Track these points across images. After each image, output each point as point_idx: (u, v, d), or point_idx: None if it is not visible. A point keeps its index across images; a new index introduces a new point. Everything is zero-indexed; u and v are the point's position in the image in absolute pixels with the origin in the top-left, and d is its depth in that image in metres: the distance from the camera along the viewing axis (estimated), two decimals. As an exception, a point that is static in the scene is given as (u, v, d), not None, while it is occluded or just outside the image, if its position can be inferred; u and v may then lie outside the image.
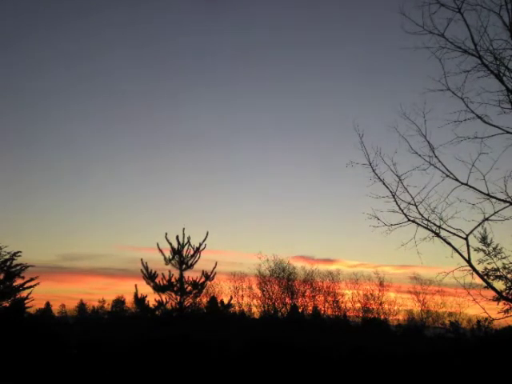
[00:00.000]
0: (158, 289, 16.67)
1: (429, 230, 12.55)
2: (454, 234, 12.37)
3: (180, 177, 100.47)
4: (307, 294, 50.38)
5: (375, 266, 78.77)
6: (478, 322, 35.28)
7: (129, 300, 59.49)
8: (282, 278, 49.75)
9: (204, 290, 18.29)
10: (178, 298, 16.75)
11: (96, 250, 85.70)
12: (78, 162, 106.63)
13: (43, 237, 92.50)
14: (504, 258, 14.89)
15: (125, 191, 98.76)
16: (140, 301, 16.75)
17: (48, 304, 63.04)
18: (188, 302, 17.02)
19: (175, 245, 16.82)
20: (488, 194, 12.02)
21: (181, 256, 16.82)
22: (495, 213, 12.03)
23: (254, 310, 50.88)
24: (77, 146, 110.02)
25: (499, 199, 11.94)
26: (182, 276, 16.83)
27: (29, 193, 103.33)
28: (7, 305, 20.02)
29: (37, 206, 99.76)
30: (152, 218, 75.84)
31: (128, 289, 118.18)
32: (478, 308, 13.53)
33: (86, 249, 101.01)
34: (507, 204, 11.90)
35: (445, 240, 12.43)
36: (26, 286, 20.25)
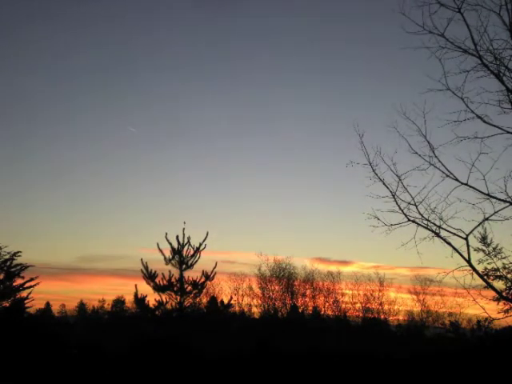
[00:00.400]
0: (158, 289, 16.68)
1: (429, 229, 12.53)
2: (454, 233, 12.35)
3: (182, 177, 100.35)
4: (307, 294, 50.42)
5: (391, 267, 78.45)
6: (478, 321, 35.28)
7: (129, 300, 59.49)
8: (282, 278, 49.78)
9: (204, 290, 18.30)
10: (178, 298, 16.75)
11: (114, 251, 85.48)
12: (94, 163, 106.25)
13: (63, 239, 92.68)
14: (504, 257, 14.91)
15: (142, 193, 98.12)
16: (140, 301, 16.75)
17: (48, 304, 63.17)
18: (188, 301, 17.02)
19: (175, 245, 16.84)
20: (488, 194, 12.00)
21: (181, 256, 16.82)
22: (495, 213, 12.01)
23: (254, 309, 50.97)
24: (88, 146, 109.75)
25: (499, 199, 11.93)
26: (182, 276, 16.84)
27: (48, 196, 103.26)
28: (7, 305, 20.04)
29: (56, 209, 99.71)
30: (167, 220, 75.62)
31: (142, 289, 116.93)
32: (478, 308, 13.51)
33: (104, 250, 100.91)
34: (507, 204, 11.89)
35: (445, 240, 12.42)
36: (25, 285, 20.27)
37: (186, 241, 16.86)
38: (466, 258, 12.26)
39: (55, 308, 70.23)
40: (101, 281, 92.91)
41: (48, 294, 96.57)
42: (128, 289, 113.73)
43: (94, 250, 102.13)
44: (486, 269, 15.30)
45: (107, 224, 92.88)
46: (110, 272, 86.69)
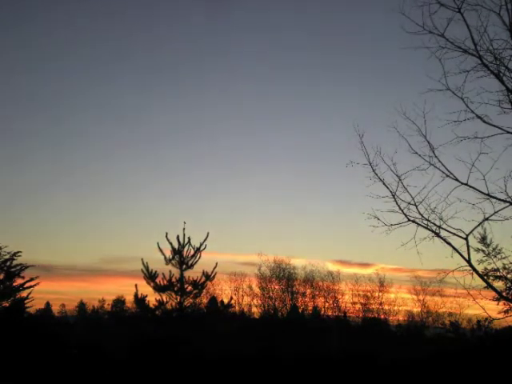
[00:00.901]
0: (159, 289, 16.69)
1: (429, 229, 12.53)
2: (454, 234, 12.35)
3: (182, 177, 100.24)
4: (307, 293, 50.46)
5: (411, 270, 77.81)
6: (478, 321, 35.22)
7: (129, 300, 59.49)
8: (282, 278, 49.82)
9: (204, 290, 18.30)
10: (178, 298, 16.77)
11: (133, 253, 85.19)
12: (115, 166, 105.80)
13: (86, 240, 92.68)
14: (504, 258, 14.89)
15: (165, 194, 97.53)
16: (140, 301, 16.77)
17: (48, 304, 63.23)
18: (188, 302, 17.03)
19: (176, 245, 16.85)
20: (488, 194, 12.00)
21: (181, 256, 16.83)
22: (495, 213, 12.02)
23: (254, 309, 51.06)
24: (102, 149, 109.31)
25: (499, 199, 11.93)
26: (182, 276, 16.85)
27: (70, 197, 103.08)
28: (7, 305, 20.05)
29: (78, 210, 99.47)
30: (168, 222, 74.98)
31: (143, 289, 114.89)
32: (478, 308, 13.52)
33: (124, 252, 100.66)
34: (507, 204, 11.89)
35: (445, 240, 12.42)
36: (25, 285, 20.29)
37: (186, 241, 16.88)
38: (466, 258, 12.27)
39: (55, 308, 70.39)
40: (120, 282, 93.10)
41: (67, 294, 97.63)
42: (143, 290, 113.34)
43: (115, 252, 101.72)
44: (485, 269, 15.29)
45: (126, 225, 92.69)
46: (129, 273, 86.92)
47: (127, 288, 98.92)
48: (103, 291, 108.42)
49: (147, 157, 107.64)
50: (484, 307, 13.57)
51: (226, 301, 19.76)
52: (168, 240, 16.73)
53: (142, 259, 16.82)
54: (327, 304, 50.35)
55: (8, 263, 20.10)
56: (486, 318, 22.36)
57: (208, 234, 17.00)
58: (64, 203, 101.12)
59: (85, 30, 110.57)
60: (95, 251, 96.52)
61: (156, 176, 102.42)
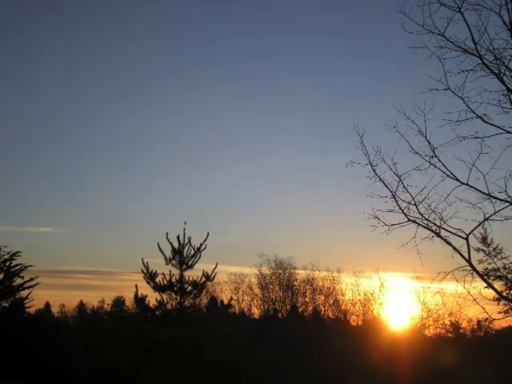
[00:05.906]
0: (159, 289, 16.70)
1: (429, 229, 12.52)
2: (455, 233, 12.35)
3: (182, 176, 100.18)
4: (307, 294, 50.48)
5: (411, 270, 77.27)
6: (478, 322, 35.29)
7: (129, 300, 59.45)
8: (282, 279, 49.88)
9: (204, 290, 18.31)
10: (179, 298, 16.77)
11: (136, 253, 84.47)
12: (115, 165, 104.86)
13: (86, 240, 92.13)
14: (504, 258, 14.87)
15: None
16: (140, 301, 16.77)
17: (48, 304, 63.22)
18: (188, 302, 17.03)
19: (176, 245, 16.85)
20: (488, 194, 12.01)
21: (181, 256, 16.84)
22: (495, 212, 12.02)
23: (254, 310, 51.11)
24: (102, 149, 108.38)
25: (499, 199, 11.93)
26: (182, 276, 16.85)
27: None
28: (7, 305, 20.09)
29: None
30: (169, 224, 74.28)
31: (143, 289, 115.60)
32: (478, 308, 13.50)
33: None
34: (507, 204, 11.90)
35: (445, 240, 12.41)
36: (25, 285, 20.33)
37: (186, 241, 16.89)
38: (467, 258, 12.27)
39: (55, 308, 70.38)
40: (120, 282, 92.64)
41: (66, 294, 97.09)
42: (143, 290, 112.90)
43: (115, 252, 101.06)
44: (486, 269, 15.27)
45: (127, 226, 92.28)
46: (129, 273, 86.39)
47: (127, 288, 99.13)
48: (103, 291, 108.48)
49: (147, 157, 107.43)
50: (484, 307, 13.56)
51: (225, 301, 19.80)
52: (168, 240, 16.75)
53: (142, 259, 16.86)
54: (327, 305, 50.39)
55: (8, 263, 20.15)
56: (486, 318, 22.39)
57: (208, 233, 17.05)
58: (65, 203, 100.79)
59: (87, 33, 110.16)
60: (95, 251, 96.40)
61: (157, 176, 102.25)
